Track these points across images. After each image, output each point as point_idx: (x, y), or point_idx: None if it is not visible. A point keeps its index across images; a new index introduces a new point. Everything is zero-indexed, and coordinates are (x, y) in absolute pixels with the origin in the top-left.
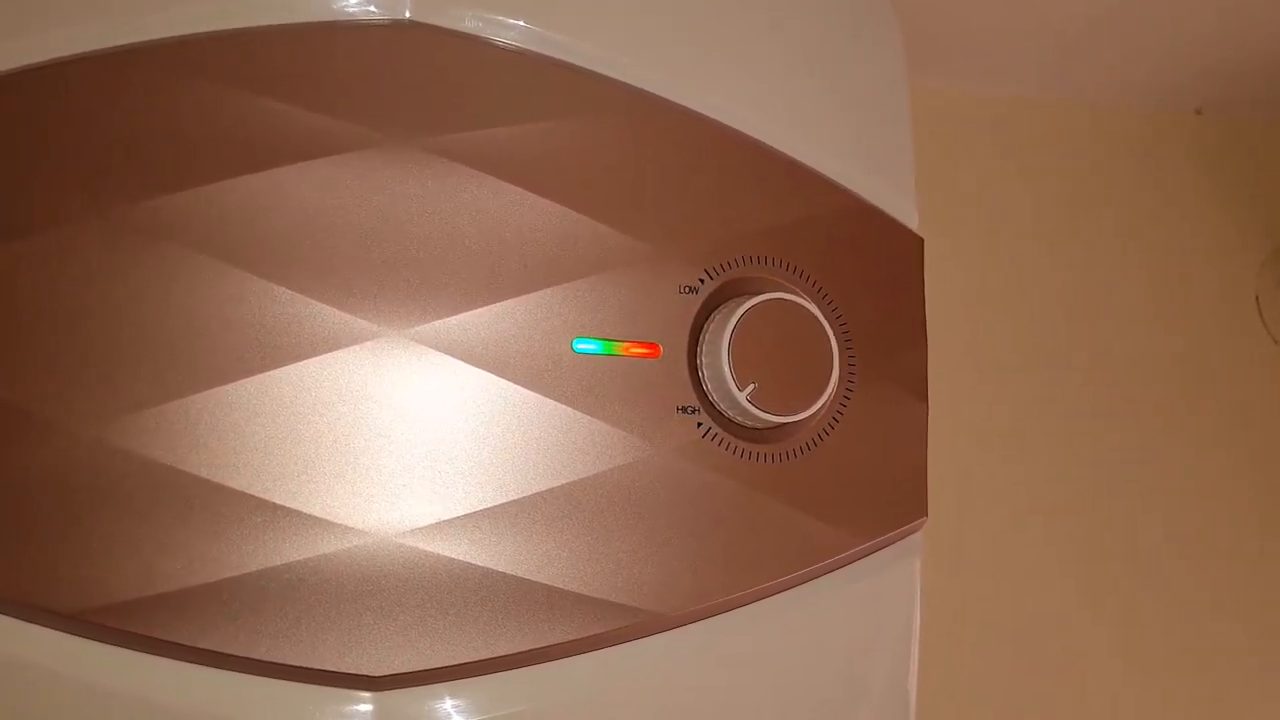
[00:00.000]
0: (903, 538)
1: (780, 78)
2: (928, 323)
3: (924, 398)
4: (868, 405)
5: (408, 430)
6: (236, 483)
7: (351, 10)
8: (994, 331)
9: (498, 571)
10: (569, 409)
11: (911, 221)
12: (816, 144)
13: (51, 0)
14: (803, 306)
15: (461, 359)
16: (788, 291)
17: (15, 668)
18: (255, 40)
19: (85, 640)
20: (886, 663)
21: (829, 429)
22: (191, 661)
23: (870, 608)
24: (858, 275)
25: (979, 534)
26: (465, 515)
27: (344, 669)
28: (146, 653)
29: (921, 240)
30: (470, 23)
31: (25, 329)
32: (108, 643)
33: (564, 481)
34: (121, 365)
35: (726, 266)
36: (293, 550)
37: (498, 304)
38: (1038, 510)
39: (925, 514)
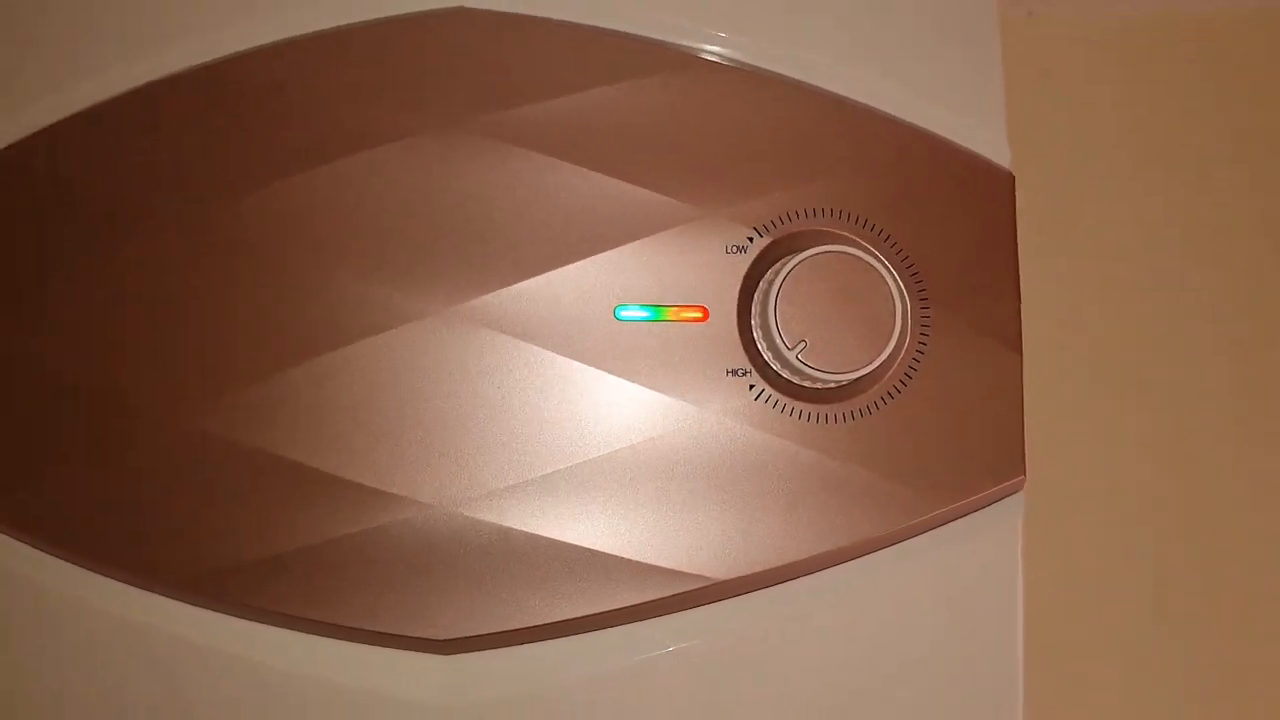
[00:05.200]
0: (997, 499)
1: (837, 10)
2: (1032, 268)
3: (1016, 348)
4: (946, 359)
5: (458, 405)
6: (299, 457)
7: (393, 3)
8: (1102, 272)
9: (549, 539)
10: (613, 377)
11: (1002, 157)
12: (883, 81)
13: (119, 39)
14: (858, 258)
15: (505, 333)
16: (843, 243)
17: (118, 626)
18: (309, 46)
19: (180, 604)
20: (987, 633)
21: (900, 386)
22: (269, 623)
23: (964, 572)
24: (934, 220)
25: (1086, 492)
26: (516, 485)
27: (410, 633)
28: (232, 615)
29: (1012, 177)
30: (508, 1)
31: (128, 321)
32: (199, 606)
33: (612, 450)
34: (195, 354)
35: (778, 223)
36: (354, 522)
37: (538, 277)
38: (1156, 466)
39: (1023, 473)
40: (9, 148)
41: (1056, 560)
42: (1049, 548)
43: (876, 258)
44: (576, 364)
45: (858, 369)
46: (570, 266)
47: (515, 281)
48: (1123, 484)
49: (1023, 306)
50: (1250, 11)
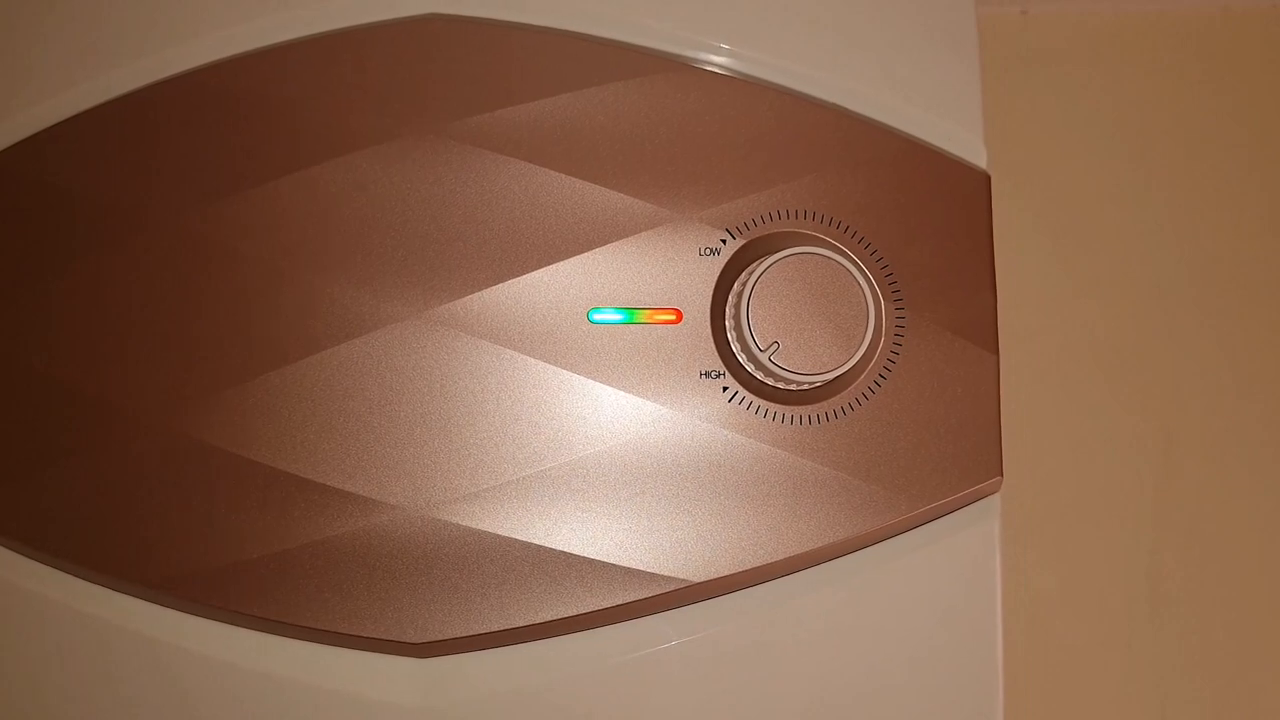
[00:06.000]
0: (974, 500)
1: (811, 14)
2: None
3: (992, 348)
4: (921, 360)
5: (434, 408)
6: (275, 462)
7: (367, 10)
8: (1096, 270)
9: (525, 542)
10: (587, 380)
11: (978, 158)
12: (858, 83)
13: (103, 48)
14: (830, 259)
15: (479, 336)
16: (815, 245)
17: (98, 628)
18: (287, 53)
19: (159, 607)
20: (966, 635)
21: (875, 387)
22: (246, 627)
23: (942, 574)
24: (909, 221)
25: (1080, 492)
26: (492, 488)
27: (386, 636)
28: (201, 616)
29: (987, 177)
30: (480, 6)
31: (110, 327)
32: (178, 610)
33: (586, 453)
34: (171, 359)
35: (751, 225)
36: (331, 526)
37: (512, 280)
38: (1151, 466)
39: (999, 473)
40: (2, 152)
41: (1051, 560)
42: (1043, 548)
43: (850, 259)
44: (551, 367)
45: (830, 370)
46: (544, 270)
47: (490, 285)
48: (1117, 484)
49: (1027, 307)
50: (1248, 9)
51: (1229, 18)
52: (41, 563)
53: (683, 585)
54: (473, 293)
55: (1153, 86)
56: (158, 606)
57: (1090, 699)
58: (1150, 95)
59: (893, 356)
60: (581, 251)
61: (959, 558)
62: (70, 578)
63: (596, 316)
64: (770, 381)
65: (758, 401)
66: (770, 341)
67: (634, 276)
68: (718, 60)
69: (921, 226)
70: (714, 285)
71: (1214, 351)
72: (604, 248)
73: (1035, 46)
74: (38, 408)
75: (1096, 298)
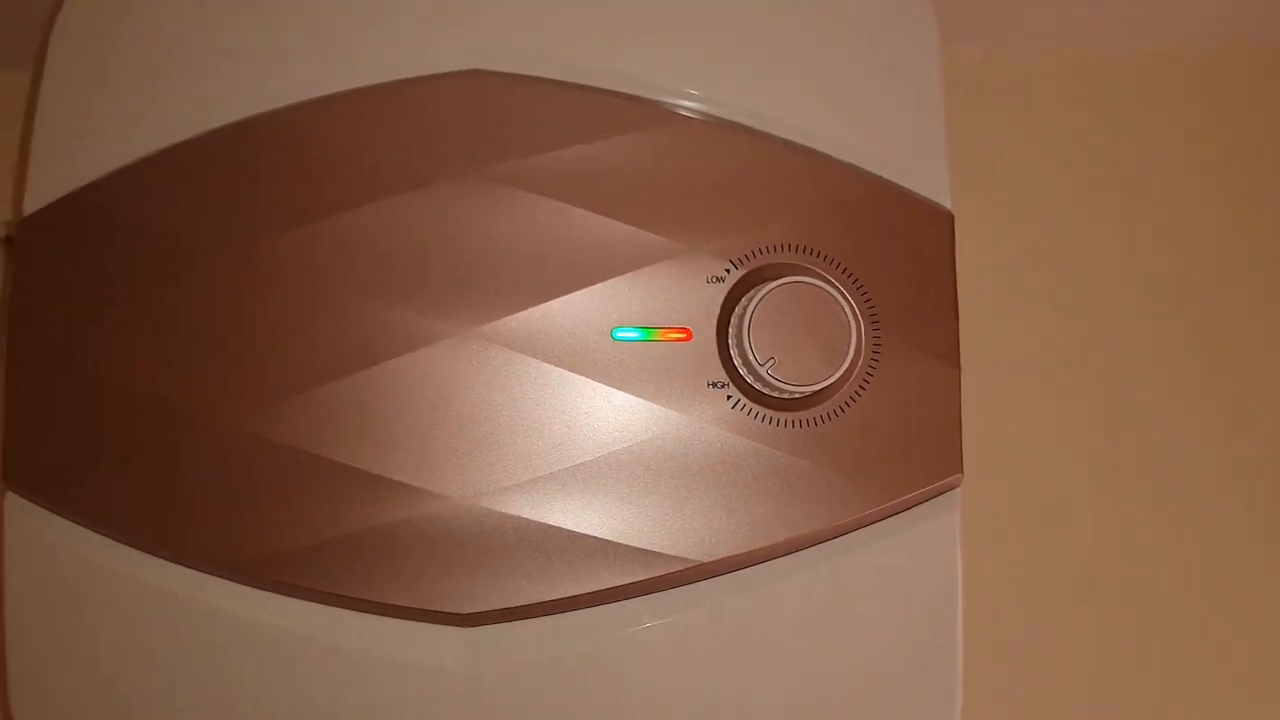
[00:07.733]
0: (939, 493)
1: (798, 70)
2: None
3: (955, 364)
4: (895, 374)
5: (478, 412)
6: (342, 458)
7: (416, 65)
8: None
9: (557, 527)
10: (610, 389)
11: (943, 198)
12: (843, 133)
13: (181, 95)
14: (819, 287)
15: (517, 351)
16: (806, 274)
17: (177, 604)
18: (342, 103)
19: (235, 584)
20: (929, 613)
21: (856, 396)
22: (315, 601)
23: (909, 559)
24: (885, 254)
25: (1031, 488)
26: (528, 481)
27: (437, 608)
28: (276, 593)
29: (951, 215)
30: (517, 64)
31: (197, 341)
32: (253, 586)
33: (610, 451)
34: (254, 371)
35: (751, 256)
36: (389, 513)
37: (547, 303)
38: (1093, 466)
39: (960, 470)
40: (87, 186)
41: (1005, 546)
42: (998, 536)
43: (835, 287)
44: (579, 377)
45: (819, 382)
46: (574, 294)
47: (526, 307)
48: (1064, 481)
49: (987, 328)
50: (1196, 52)
51: (1176, 60)
52: (134, 548)
53: (691, 565)
54: (512, 313)
55: (1102, 123)
56: (231, 584)
57: (1034, 665)
58: (1107, 131)
59: (871, 370)
60: (605, 278)
61: (925, 543)
62: (156, 560)
63: (618, 334)
64: (768, 391)
65: (757, 408)
66: (768, 357)
67: (650, 300)
68: (721, 115)
69: (896, 259)
70: (720, 308)
71: (1153, 366)
72: (625, 275)
73: (996, 88)
74: (136, 414)
75: (1049, 318)
